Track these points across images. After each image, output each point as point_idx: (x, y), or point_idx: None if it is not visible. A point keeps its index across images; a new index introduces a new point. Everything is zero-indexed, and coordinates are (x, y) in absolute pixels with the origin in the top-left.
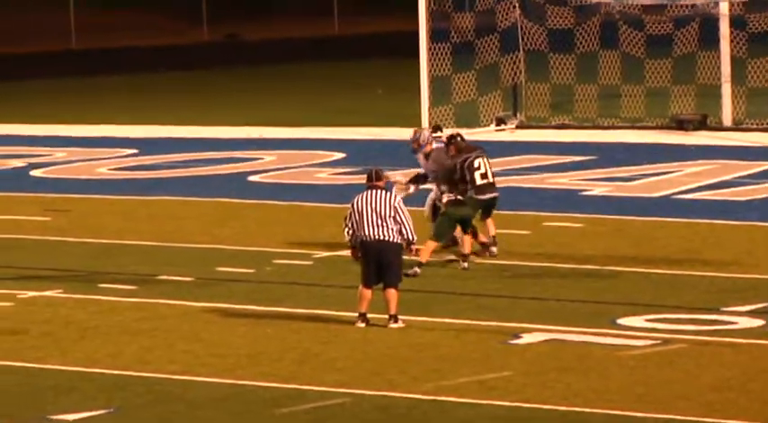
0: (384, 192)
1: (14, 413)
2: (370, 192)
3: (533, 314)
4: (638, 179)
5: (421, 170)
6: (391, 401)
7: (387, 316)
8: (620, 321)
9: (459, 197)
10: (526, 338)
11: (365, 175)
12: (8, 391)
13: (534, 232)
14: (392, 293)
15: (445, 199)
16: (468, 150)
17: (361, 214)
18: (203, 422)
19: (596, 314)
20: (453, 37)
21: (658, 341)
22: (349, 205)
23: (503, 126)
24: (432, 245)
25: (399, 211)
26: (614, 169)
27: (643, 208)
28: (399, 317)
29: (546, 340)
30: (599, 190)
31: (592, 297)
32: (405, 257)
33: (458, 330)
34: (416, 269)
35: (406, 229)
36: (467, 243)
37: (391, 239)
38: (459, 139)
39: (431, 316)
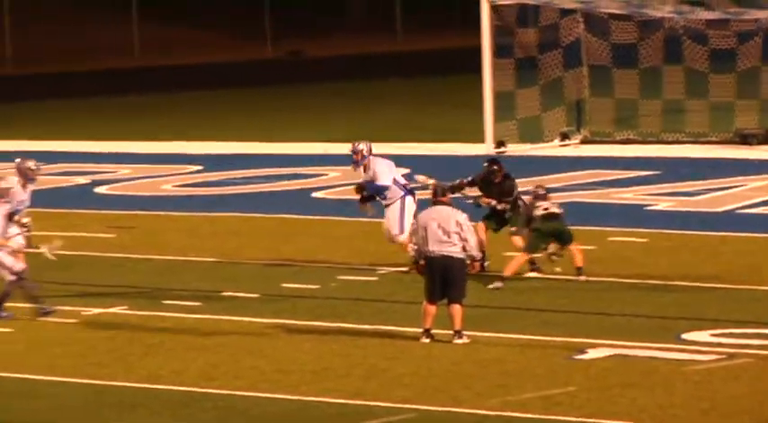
0: (449, 208)
1: None
2: (435, 207)
3: (598, 329)
4: (703, 194)
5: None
6: (456, 417)
7: (451, 332)
8: (685, 336)
9: (552, 211)
10: (591, 354)
11: (431, 188)
12: (73, 408)
13: (599, 247)
14: (457, 309)
15: (540, 212)
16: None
17: (426, 230)
18: None
19: (661, 329)
20: (517, 52)
21: (723, 356)
22: (417, 219)
23: (567, 141)
24: (521, 258)
25: (464, 227)
26: (678, 184)
27: (707, 223)
28: (464, 332)
29: (611, 355)
30: (663, 205)
31: (657, 312)
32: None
33: (523, 346)
34: (498, 283)
35: (470, 246)
36: (577, 255)
37: (456, 255)
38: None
39: (496, 331)
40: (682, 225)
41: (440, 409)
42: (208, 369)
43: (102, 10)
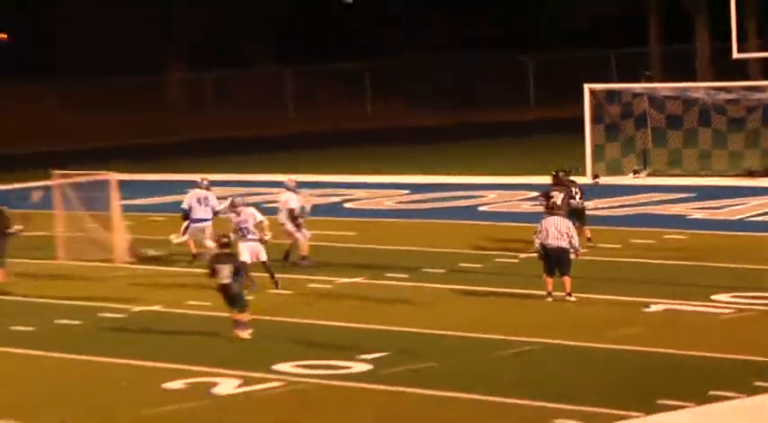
0: (561, 217)
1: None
2: (552, 216)
3: (657, 291)
4: (724, 208)
5: None
6: (566, 348)
7: (564, 293)
8: (714, 297)
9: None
10: (653, 308)
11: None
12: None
13: (657, 241)
14: (567, 279)
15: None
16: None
17: (547, 230)
18: (449, 368)
19: (698, 292)
20: (606, 119)
21: (736, 310)
22: (538, 224)
23: (637, 175)
24: None
25: (570, 229)
26: (708, 202)
27: (726, 226)
28: (573, 294)
29: (666, 309)
30: (698, 214)
31: (695, 281)
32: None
33: (610, 302)
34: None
35: (574, 241)
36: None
37: (565, 246)
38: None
39: (592, 293)
40: (710, 227)
41: (555, 342)
42: (410, 317)
43: (345, 90)
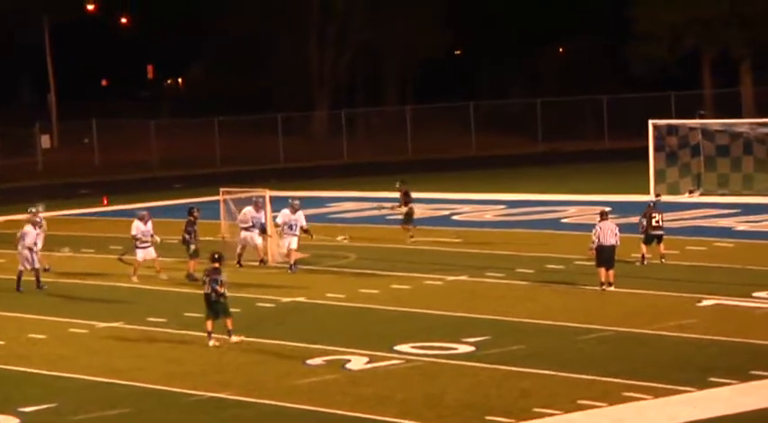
0: (610, 222)
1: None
2: (604, 221)
3: (708, 289)
4: (764, 221)
5: None
6: (639, 335)
7: (608, 283)
8: (755, 294)
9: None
10: (705, 302)
11: (599, 214)
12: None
13: (708, 248)
14: (611, 272)
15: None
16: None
17: (604, 232)
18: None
19: (742, 290)
20: (666, 149)
21: None
22: (596, 228)
23: (692, 194)
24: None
25: (617, 231)
26: (751, 217)
27: (766, 236)
28: (613, 285)
29: (716, 304)
30: (742, 227)
31: (738, 280)
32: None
33: (670, 298)
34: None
35: (618, 240)
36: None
37: (614, 244)
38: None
39: (656, 290)
40: (752, 237)
41: (624, 329)
42: (506, 308)
43: (450, 124)
